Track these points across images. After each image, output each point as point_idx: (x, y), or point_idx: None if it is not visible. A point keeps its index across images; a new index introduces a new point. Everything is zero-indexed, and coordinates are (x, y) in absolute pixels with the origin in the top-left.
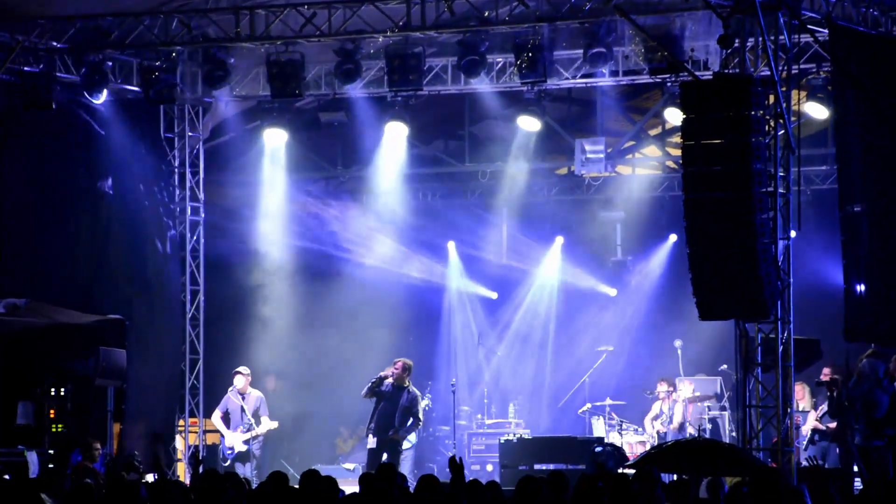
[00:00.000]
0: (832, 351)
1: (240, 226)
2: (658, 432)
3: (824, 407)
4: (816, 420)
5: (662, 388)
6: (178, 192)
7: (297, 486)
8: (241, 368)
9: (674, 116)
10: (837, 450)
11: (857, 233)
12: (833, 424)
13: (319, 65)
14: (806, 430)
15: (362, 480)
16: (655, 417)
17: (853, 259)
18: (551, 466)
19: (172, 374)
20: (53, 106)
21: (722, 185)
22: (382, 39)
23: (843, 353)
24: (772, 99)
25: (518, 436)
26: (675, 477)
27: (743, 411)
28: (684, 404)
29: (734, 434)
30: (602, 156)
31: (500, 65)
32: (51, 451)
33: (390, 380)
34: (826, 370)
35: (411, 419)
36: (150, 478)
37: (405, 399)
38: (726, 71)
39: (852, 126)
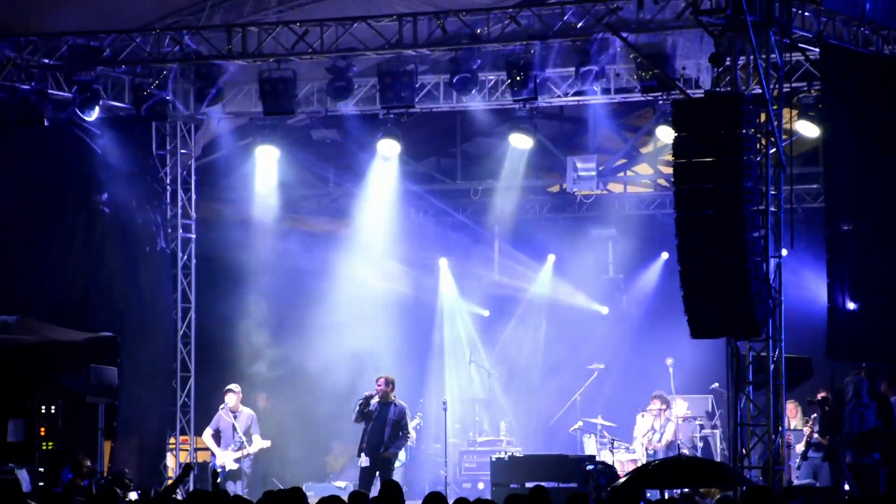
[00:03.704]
0: (823, 370)
1: (231, 243)
2: (647, 450)
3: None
4: (813, 433)
5: (655, 405)
6: (169, 209)
7: None
8: (232, 386)
9: (665, 134)
10: (829, 466)
11: (845, 251)
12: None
13: (311, 82)
14: (800, 448)
15: (352, 498)
16: (645, 434)
17: (838, 277)
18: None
19: (164, 391)
20: (46, 123)
21: (713, 203)
22: (374, 57)
23: (829, 371)
24: (763, 117)
25: (509, 454)
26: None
27: (734, 430)
28: (676, 423)
29: (726, 452)
30: (594, 173)
31: (492, 82)
32: (41, 469)
33: (376, 399)
34: (822, 392)
35: (401, 432)
36: (133, 496)
37: (393, 413)
38: (718, 89)
39: (841, 144)
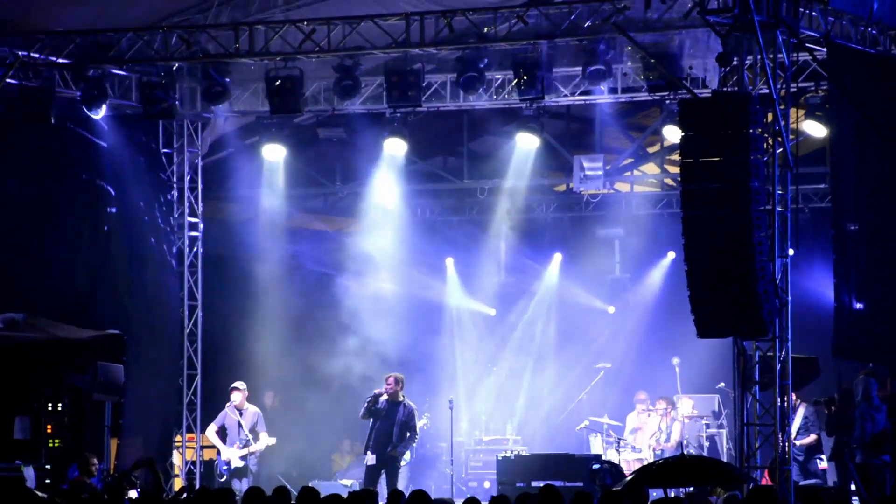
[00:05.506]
0: (830, 369)
1: (238, 242)
2: (654, 451)
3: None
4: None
5: (661, 405)
6: (176, 207)
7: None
8: (237, 384)
9: (672, 134)
10: (815, 467)
11: (851, 251)
12: (806, 441)
13: (318, 81)
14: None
15: (359, 497)
16: (652, 435)
17: (845, 277)
18: None
19: (170, 389)
20: (52, 120)
21: (720, 203)
22: (381, 56)
23: (836, 371)
24: (770, 117)
25: (515, 453)
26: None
27: (740, 429)
28: (682, 423)
29: (732, 452)
30: (601, 173)
31: (498, 81)
32: (48, 466)
33: (385, 396)
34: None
35: (409, 433)
36: (133, 494)
37: (402, 413)
38: (725, 89)
39: (847, 144)
